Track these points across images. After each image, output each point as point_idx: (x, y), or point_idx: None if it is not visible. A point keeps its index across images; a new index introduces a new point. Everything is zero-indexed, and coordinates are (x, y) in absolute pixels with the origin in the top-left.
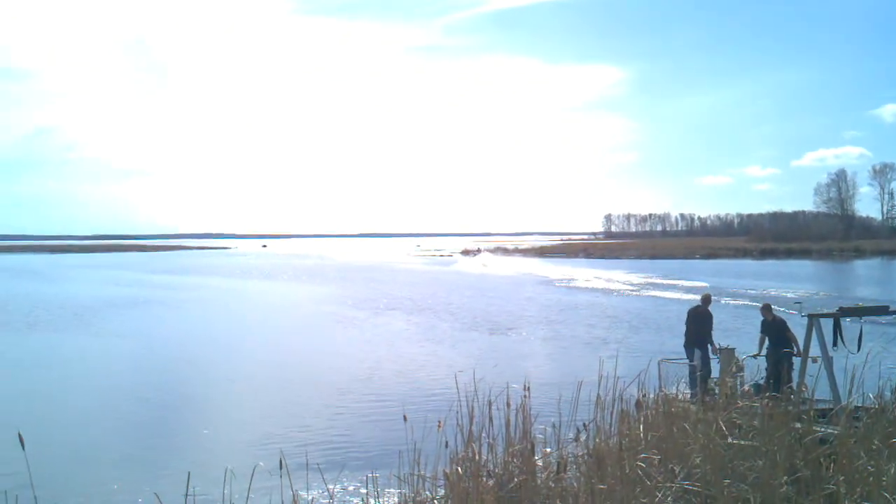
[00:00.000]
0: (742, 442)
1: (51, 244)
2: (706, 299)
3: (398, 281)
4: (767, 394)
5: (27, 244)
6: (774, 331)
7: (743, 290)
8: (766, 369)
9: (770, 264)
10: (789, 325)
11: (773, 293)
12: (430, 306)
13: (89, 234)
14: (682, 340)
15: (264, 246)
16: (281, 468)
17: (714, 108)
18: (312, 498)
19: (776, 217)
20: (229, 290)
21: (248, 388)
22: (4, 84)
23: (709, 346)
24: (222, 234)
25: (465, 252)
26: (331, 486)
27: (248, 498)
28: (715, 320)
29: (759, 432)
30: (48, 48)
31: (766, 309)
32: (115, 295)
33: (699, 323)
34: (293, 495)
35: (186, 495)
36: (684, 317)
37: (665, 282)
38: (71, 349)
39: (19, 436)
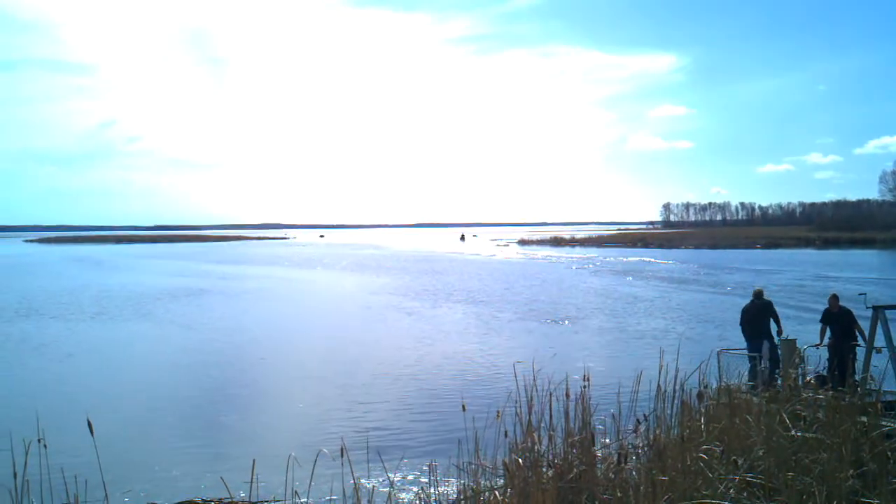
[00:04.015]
0: (806, 434)
1: (115, 234)
2: (759, 294)
3: (454, 271)
4: (831, 385)
5: (93, 235)
6: (838, 321)
7: (806, 281)
8: (828, 360)
9: (833, 254)
10: (855, 315)
11: (836, 284)
12: (487, 296)
13: (152, 224)
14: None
15: (322, 236)
16: (342, 455)
17: (772, 94)
18: (373, 486)
19: (839, 206)
20: (289, 280)
21: (309, 377)
22: (69, 78)
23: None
24: (281, 225)
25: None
26: (391, 474)
27: (310, 484)
28: (779, 311)
29: (824, 425)
30: (109, 42)
31: (834, 298)
32: (177, 285)
33: (761, 314)
34: (354, 482)
35: (251, 482)
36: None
37: (724, 273)
38: (135, 338)
39: (88, 422)
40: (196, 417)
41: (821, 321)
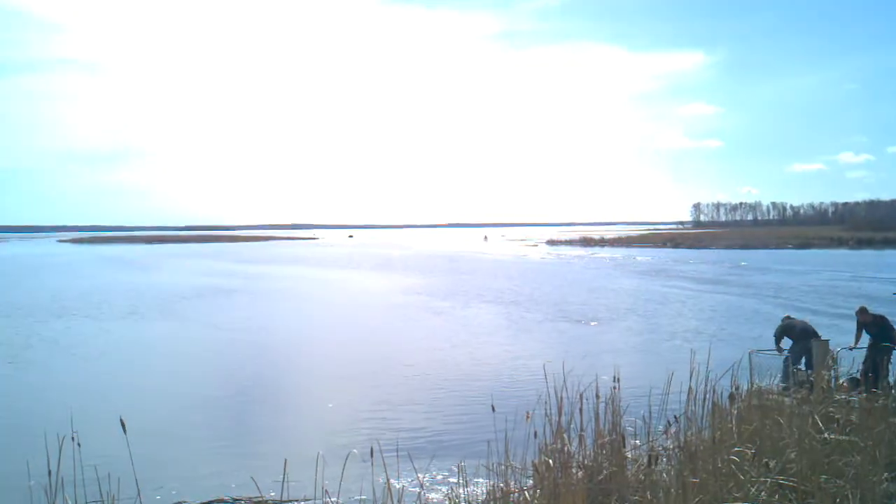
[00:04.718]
0: (839, 437)
1: (145, 235)
2: (788, 317)
3: (482, 271)
4: (863, 388)
5: (124, 235)
6: (874, 327)
7: (840, 282)
8: (863, 362)
9: (867, 254)
10: (889, 321)
11: (871, 284)
12: (516, 296)
13: (182, 224)
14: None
15: (350, 236)
16: (372, 455)
17: (803, 92)
18: (402, 486)
19: (872, 205)
20: (318, 280)
21: (338, 377)
22: (83, 77)
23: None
24: (310, 225)
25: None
26: (420, 475)
27: (340, 484)
28: (811, 314)
29: (857, 427)
30: (134, 42)
31: (862, 312)
32: (207, 284)
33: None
34: (385, 482)
35: (283, 481)
36: (777, 309)
37: (756, 273)
38: (166, 338)
39: (121, 420)
40: (226, 417)
41: (857, 327)
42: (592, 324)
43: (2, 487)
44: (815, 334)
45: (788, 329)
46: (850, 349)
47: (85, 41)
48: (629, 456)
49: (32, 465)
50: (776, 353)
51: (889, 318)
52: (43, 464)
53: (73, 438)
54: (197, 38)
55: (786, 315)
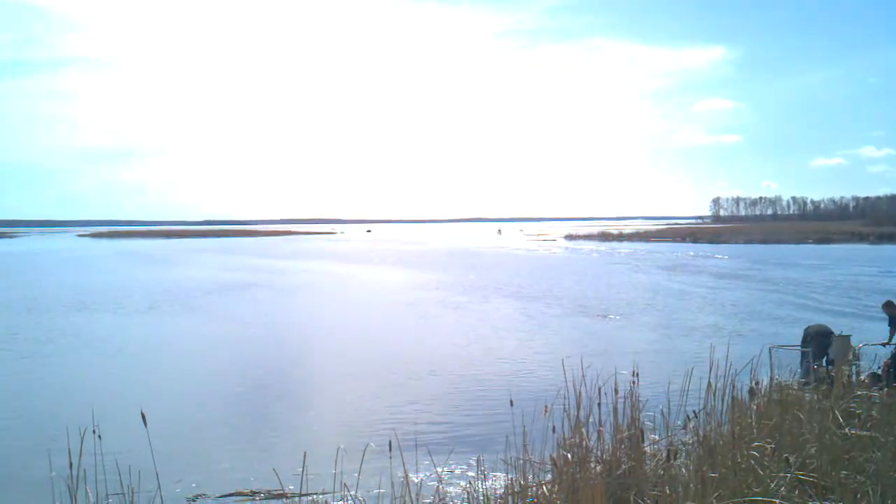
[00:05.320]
0: (860, 432)
1: (165, 229)
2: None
3: (502, 266)
4: (884, 383)
5: (143, 229)
6: None
7: (862, 277)
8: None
9: (889, 249)
10: None
11: (893, 279)
12: (535, 291)
13: (201, 219)
14: (796, 330)
15: (369, 231)
16: (391, 450)
17: (823, 86)
18: (421, 480)
19: (894, 200)
20: (336, 275)
21: (357, 372)
22: (100, 75)
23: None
24: (328, 220)
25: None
26: (438, 469)
27: (358, 478)
28: (831, 310)
29: (878, 423)
30: (151, 38)
31: (889, 306)
32: (225, 279)
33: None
34: (403, 476)
35: (302, 474)
36: (799, 309)
37: (776, 268)
38: (185, 333)
39: (142, 414)
40: (245, 412)
41: (889, 325)
42: (611, 319)
43: (25, 480)
44: (831, 333)
45: (808, 335)
46: (885, 345)
47: (100, 39)
48: (648, 451)
49: (54, 457)
50: (796, 348)
51: None
52: (64, 457)
53: (94, 432)
54: (211, 36)
55: (807, 326)
